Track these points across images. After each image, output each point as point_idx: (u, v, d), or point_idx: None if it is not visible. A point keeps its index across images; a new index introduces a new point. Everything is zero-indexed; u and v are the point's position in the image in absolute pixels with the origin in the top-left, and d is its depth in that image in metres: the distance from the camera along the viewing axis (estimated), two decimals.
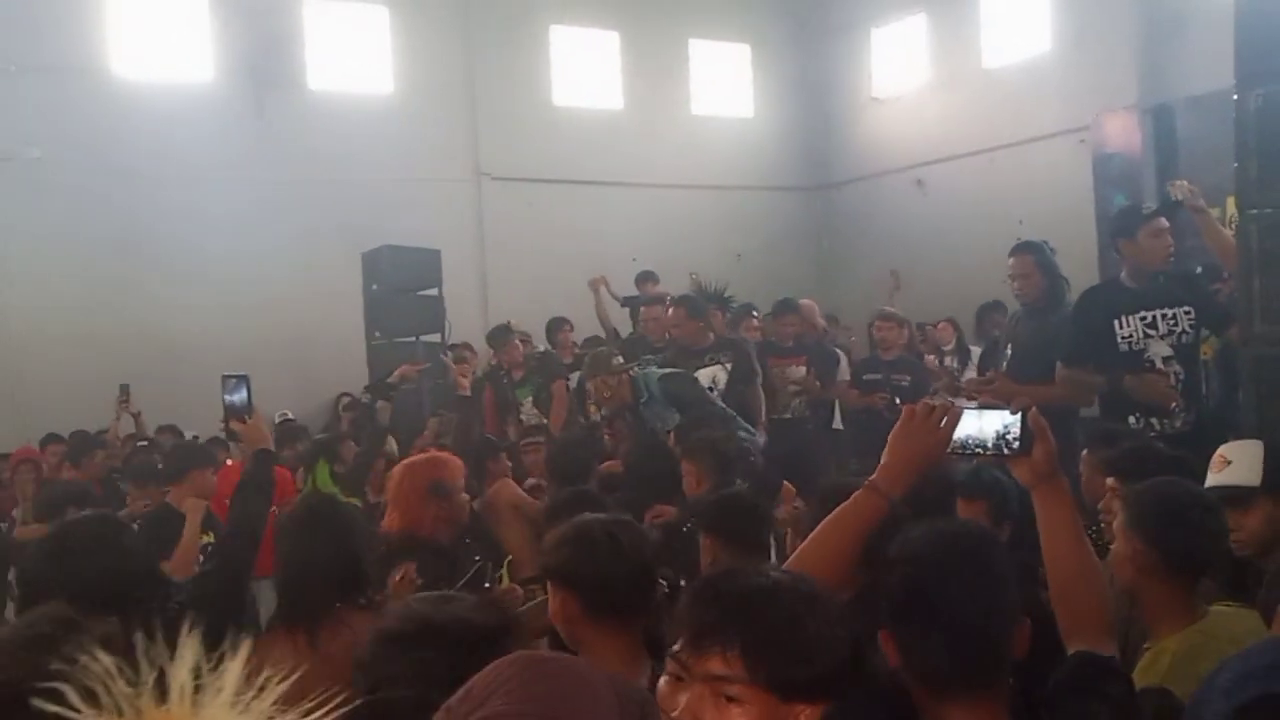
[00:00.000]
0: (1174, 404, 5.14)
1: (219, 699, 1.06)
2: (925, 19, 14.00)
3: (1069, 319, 5.85)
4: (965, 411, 2.30)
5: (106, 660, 1.03)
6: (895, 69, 14.48)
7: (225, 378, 4.38)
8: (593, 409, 7.98)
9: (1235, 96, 4.17)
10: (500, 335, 9.04)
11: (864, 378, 8.55)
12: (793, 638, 1.66)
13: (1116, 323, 5.32)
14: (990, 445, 2.25)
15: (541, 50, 13.86)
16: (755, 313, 9.42)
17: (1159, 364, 5.21)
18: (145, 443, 9.10)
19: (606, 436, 7.11)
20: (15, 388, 10.70)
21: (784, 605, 1.69)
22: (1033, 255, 6.14)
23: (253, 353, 11.22)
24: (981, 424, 2.27)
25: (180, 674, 1.05)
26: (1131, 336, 5.30)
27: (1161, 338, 5.27)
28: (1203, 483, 3.28)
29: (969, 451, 2.30)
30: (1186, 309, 5.28)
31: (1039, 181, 12.03)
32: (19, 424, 10.02)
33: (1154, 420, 5.16)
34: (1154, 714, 2.28)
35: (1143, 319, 5.29)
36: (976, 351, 9.97)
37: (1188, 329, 5.29)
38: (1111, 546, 2.96)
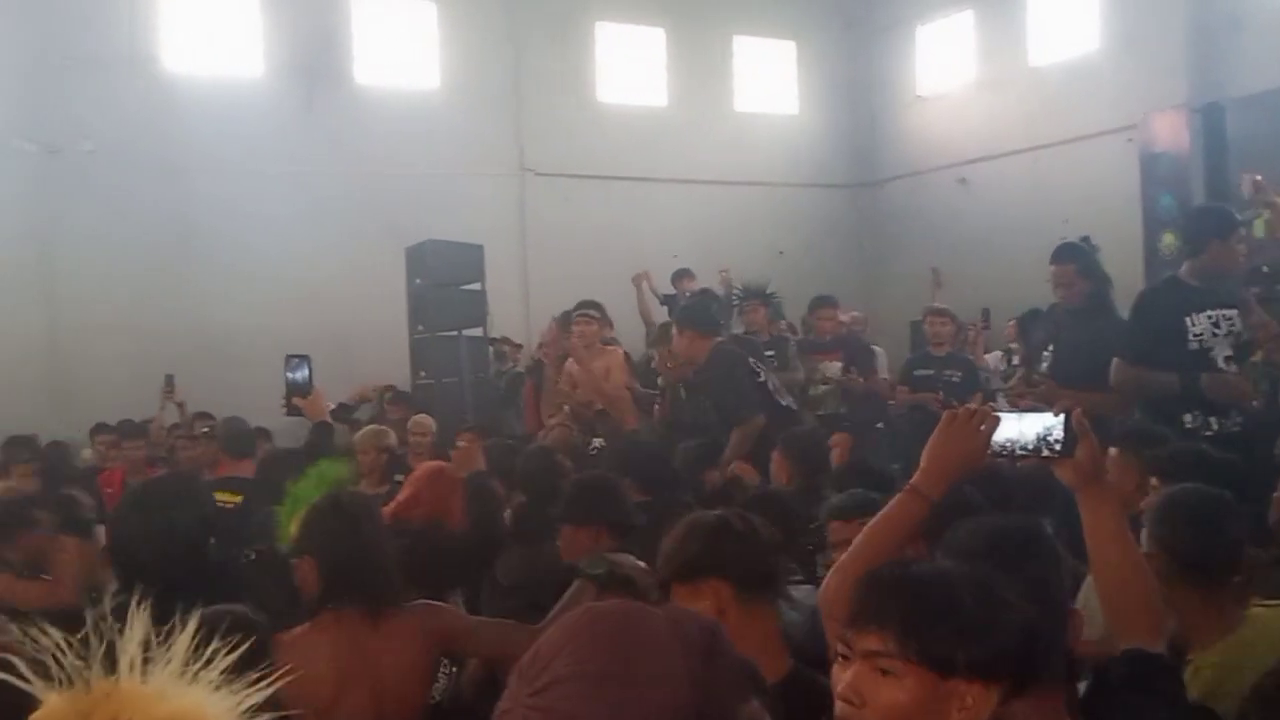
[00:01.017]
0: (1254, 401, 5.12)
1: (168, 670, 1.10)
2: (972, 16, 13.91)
3: (1125, 320, 5.82)
4: (1006, 415, 2.31)
5: (56, 634, 1.07)
6: (941, 66, 14.41)
7: (288, 357, 4.85)
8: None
9: None
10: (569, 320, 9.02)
11: (915, 374, 8.43)
12: (947, 617, 1.69)
13: (1189, 320, 5.28)
14: (1032, 448, 2.25)
15: (586, 46, 13.90)
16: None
17: (1220, 363, 5.18)
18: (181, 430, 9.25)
19: (656, 408, 7.23)
20: (64, 377, 10.88)
21: (942, 587, 1.74)
22: (1074, 263, 6.04)
23: (297, 345, 11.14)
24: (1022, 427, 2.27)
25: (130, 647, 1.09)
26: (1203, 335, 5.26)
27: (1225, 337, 5.24)
28: (1251, 482, 3.26)
29: (1010, 454, 2.29)
30: (1237, 311, 5.27)
31: (1085, 181, 11.93)
32: (68, 413, 10.17)
33: (1211, 419, 5.11)
34: None
35: (1209, 318, 5.26)
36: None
37: (1244, 330, 5.27)
38: None
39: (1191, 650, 2.74)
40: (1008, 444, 2.26)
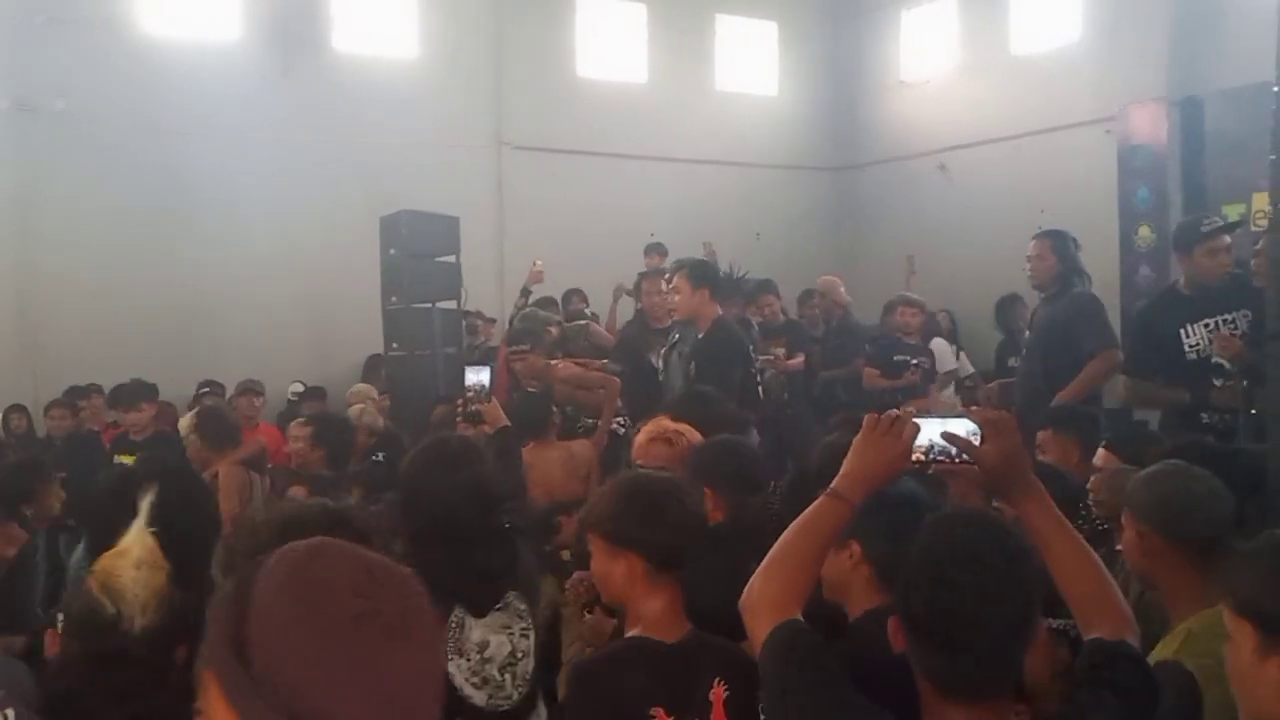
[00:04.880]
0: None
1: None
2: (955, 3, 13.90)
3: (1080, 300, 5.99)
4: (926, 421, 2.32)
5: None
6: (923, 52, 14.39)
7: (467, 365, 5.33)
8: None
9: (1276, 89, 4.12)
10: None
11: (894, 359, 8.66)
12: None
13: (1183, 331, 5.39)
14: (954, 453, 2.27)
15: (568, 21, 13.80)
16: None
17: (1227, 366, 5.25)
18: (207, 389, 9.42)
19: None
20: (40, 340, 10.75)
21: None
22: (1051, 241, 6.29)
23: (272, 311, 11.35)
24: (943, 433, 2.30)
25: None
26: (1199, 344, 5.38)
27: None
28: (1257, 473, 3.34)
29: (933, 460, 2.31)
30: (1245, 312, 5.31)
31: (1063, 170, 11.96)
32: (43, 377, 10.08)
33: (1226, 417, 5.20)
34: (1167, 685, 2.31)
35: (1206, 326, 5.37)
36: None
37: (1248, 331, 5.31)
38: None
39: (1173, 620, 2.85)
40: (933, 449, 2.29)
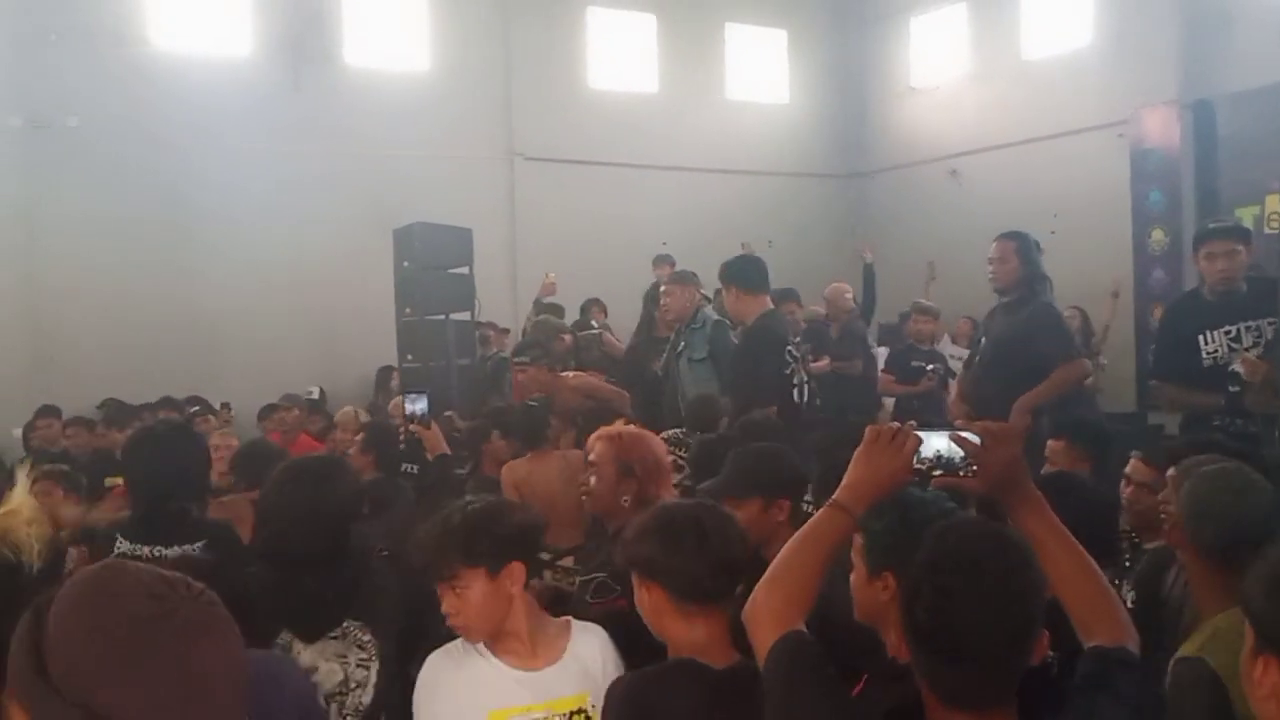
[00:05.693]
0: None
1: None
2: (965, 8, 13.90)
3: (1042, 312, 5.93)
4: (929, 434, 2.31)
5: None
6: (934, 58, 14.39)
7: (407, 391, 5.20)
8: None
9: None
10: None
11: (911, 365, 8.81)
12: None
13: (1201, 338, 5.31)
14: (957, 464, 2.26)
15: (578, 32, 13.84)
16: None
17: (1243, 374, 5.17)
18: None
19: None
20: (51, 354, 10.80)
21: None
22: (1013, 243, 6.18)
23: (285, 326, 11.38)
24: (949, 444, 2.28)
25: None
26: (1217, 351, 5.29)
27: (1246, 350, 5.21)
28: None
29: (935, 472, 2.29)
30: (1271, 319, 5.22)
31: (1075, 175, 11.94)
32: (51, 392, 10.11)
33: (1239, 422, 5.13)
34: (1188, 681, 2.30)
35: (1227, 333, 5.28)
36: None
37: (1272, 339, 5.23)
38: None
39: (1203, 618, 2.86)
40: (937, 461, 2.28)
